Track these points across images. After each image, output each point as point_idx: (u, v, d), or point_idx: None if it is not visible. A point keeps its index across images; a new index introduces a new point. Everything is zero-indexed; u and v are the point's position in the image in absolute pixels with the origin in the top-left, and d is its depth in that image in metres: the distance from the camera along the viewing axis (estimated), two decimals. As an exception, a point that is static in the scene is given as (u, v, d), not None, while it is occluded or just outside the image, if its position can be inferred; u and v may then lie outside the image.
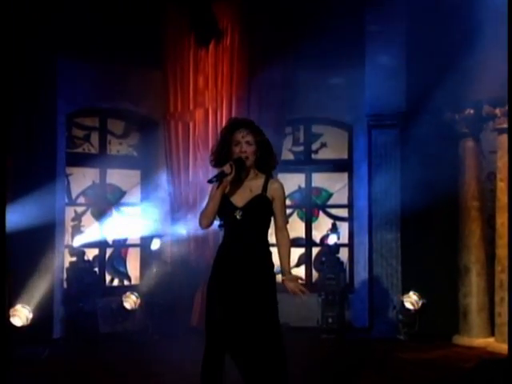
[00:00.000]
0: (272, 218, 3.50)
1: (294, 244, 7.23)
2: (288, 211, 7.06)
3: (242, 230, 3.37)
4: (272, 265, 3.42)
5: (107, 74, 6.78)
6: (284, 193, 3.48)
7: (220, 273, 3.39)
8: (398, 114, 6.79)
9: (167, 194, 7.08)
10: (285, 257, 3.46)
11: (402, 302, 6.58)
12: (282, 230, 3.48)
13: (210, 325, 3.36)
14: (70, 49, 6.34)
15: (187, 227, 6.77)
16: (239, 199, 3.41)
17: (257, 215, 3.39)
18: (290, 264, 3.50)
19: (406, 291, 6.63)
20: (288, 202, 7.38)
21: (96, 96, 6.76)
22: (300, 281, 3.45)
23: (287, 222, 3.59)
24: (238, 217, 3.36)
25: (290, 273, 3.44)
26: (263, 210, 3.41)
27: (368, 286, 7.07)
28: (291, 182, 7.46)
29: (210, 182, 3.32)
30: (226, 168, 3.33)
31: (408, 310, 6.52)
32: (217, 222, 3.46)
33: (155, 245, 6.94)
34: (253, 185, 3.44)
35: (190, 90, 6.95)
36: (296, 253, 7.50)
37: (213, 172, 3.45)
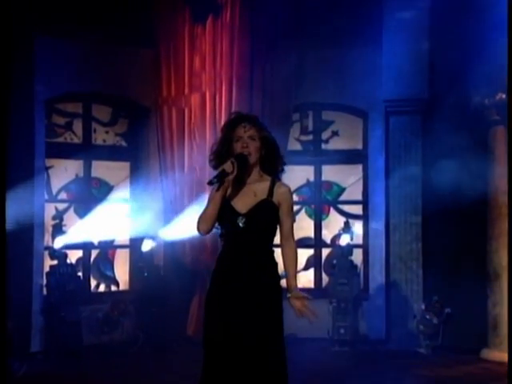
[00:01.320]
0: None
1: (301, 244, 7.41)
2: (295, 208, 7.37)
3: (245, 239, 3.32)
4: (278, 278, 3.37)
5: (92, 54, 6.79)
6: (292, 198, 3.44)
7: (220, 287, 3.33)
8: (419, 99, 6.79)
9: (160, 189, 7.09)
10: (291, 270, 3.41)
11: (423, 311, 6.56)
12: (288, 239, 3.43)
13: (209, 344, 3.28)
14: (49, 25, 6.31)
15: (182, 226, 6.73)
16: (242, 204, 3.35)
17: (262, 223, 3.34)
18: (297, 278, 3.44)
19: (427, 299, 6.62)
20: (295, 198, 7.45)
21: (79, 79, 6.73)
22: (308, 300, 3.37)
23: (294, 221, 3.51)
24: (240, 224, 3.30)
25: (297, 289, 3.38)
26: (269, 216, 3.36)
27: (385, 292, 7.05)
28: (299, 175, 7.47)
29: (210, 183, 3.25)
30: (227, 166, 3.26)
31: (430, 319, 6.50)
32: (216, 230, 3.42)
33: (146, 246, 6.94)
34: (257, 188, 3.39)
35: (184, 71, 6.95)
36: (304, 254, 7.46)
37: (211, 172, 3.39)
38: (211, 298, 3.35)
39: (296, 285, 3.40)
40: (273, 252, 3.38)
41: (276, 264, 3.37)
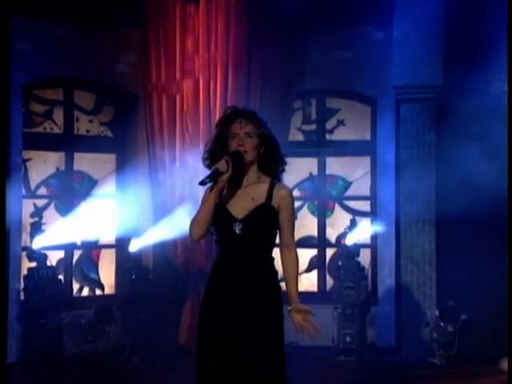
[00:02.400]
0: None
1: (303, 244, 7.46)
2: (297, 204, 7.31)
3: (242, 246, 3.34)
4: (279, 289, 3.40)
5: (74, 36, 6.77)
6: (293, 201, 3.47)
7: (215, 299, 3.36)
8: (433, 85, 6.73)
9: (149, 184, 7.07)
10: (292, 280, 3.43)
11: (437, 318, 6.51)
12: (288, 246, 3.45)
13: (201, 363, 3.34)
14: (27, 3, 6.26)
15: (173, 224, 6.70)
16: (239, 209, 3.37)
17: (260, 229, 3.37)
18: (298, 287, 3.46)
19: (441, 304, 6.57)
20: (297, 193, 7.48)
21: (60, 63, 6.71)
22: (311, 314, 3.40)
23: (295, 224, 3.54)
24: (237, 231, 3.33)
25: (298, 301, 3.40)
26: (268, 222, 3.39)
27: (395, 297, 7.04)
28: (300, 169, 7.45)
29: (202, 183, 3.27)
30: (221, 165, 3.27)
31: (444, 327, 6.45)
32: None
33: (134, 246, 6.91)
34: (255, 191, 3.40)
35: (176, 55, 6.90)
36: (306, 255, 7.46)
37: (204, 172, 3.39)
38: (205, 312, 3.36)
39: (297, 296, 3.42)
40: (273, 260, 3.40)
41: (276, 273, 3.39)
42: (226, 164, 3.26)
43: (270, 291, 3.35)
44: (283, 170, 3.49)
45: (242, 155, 3.34)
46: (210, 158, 3.40)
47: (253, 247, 3.33)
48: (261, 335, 3.28)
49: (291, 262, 3.43)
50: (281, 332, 3.37)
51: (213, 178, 3.26)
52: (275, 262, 3.44)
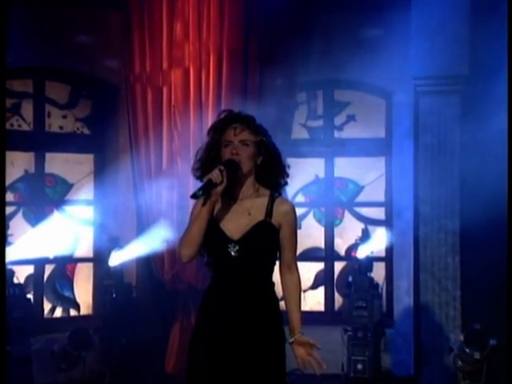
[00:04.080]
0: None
1: (309, 257, 7.44)
2: (301, 211, 7.35)
3: (239, 270, 3.34)
4: (280, 317, 3.41)
5: (46, 19, 6.76)
6: (296, 217, 3.48)
7: (208, 330, 3.36)
8: (457, 76, 6.75)
9: (132, 188, 7.10)
10: (294, 308, 3.45)
11: (462, 343, 6.41)
12: (290, 268, 3.47)
13: None
14: None
15: (159, 235, 6.76)
16: (234, 228, 3.37)
17: (259, 251, 3.38)
18: (301, 318, 3.47)
19: (467, 327, 6.50)
20: (301, 199, 7.50)
21: (29, 50, 6.68)
22: (315, 348, 3.42)
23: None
24: (232, 253, 3.33)
25: (301, 332, 3.43)
26: (267, 243, 3.39)
27: (413, 318, 7.02)
28: (305, 171, 7.44)
29: (194, 197, 3.29)
30: (214, 175, 3.26)
31: (470, 353, 6.35)
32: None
33: (115, 260, 6.88)
34: (252, 206, 3.41)
35: (163, 41, 6.92)
36: (312, 269, 7.46)
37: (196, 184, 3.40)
38: (197, 344, 3.37)
39: (300, 326, 3.44)
40: (273, 285, 3.41)
41: (277, 300, 3.41)
42: (220, 174, 3.26)
43: (271, 321, 3.35)
44: (285, 184, 3.49)
45: (238, 165, 3.34)
46: (201, 169, 3.40)
47: (251, 271, 3.34)
48: (260, 370, 3.30)
49: (293, 286, 3.45)
50: (282, 366, 3.39)
51: (205, 189, 3.26)
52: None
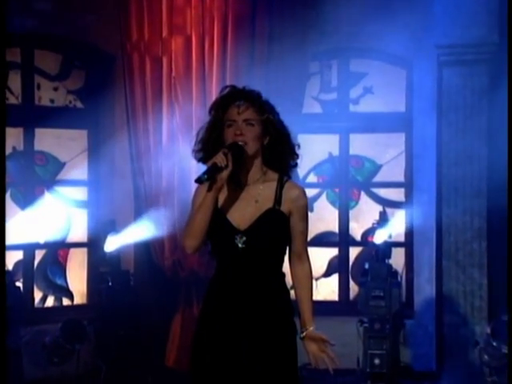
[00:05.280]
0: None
1: (321, 242, 7.46)
2: (313, 192, 7.42)
3: (246, 263, 3.37)
4: (291, 310, 3.45)
5: None
6: (307, 203, 3.49)
7: (214, 323, 3.39)
8: (485, 43, 6.67)
9: (129, 167, 7.13)
10: (305, 300, 3.49)
11: (489, 336, 6.42)
12: (300, 258, 3.50)
13: None
14: None
15: (159, 218, 6.79)
16: (240, 217, 3.39)
17: (268, 242, 3.40)
18: (313, 311, 3.51)
19: (494, 319, 6.51)
20: (313, 179, 7.55)
21: (17, 16, 6.59)
22: (329, 344, 3.45)
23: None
24: (239, 245, 3.36)
25: (313, 326, 3.48)
26: (277, 232, 3.41)
27: (435, 309, 7.03)
28: (318, 148, 7.47)
29: (198, 181, 3.30)
30: (219, 159, 3.27)
31: (498, 347, 6.34)
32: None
33: (111, 245, 6.88)
34: (260, 192, 3.43)
35: (162, 6, 6.90)
36: (325, 255, 7.49)
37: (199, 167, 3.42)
38: (201, 337, 3.40)
39: (312, 319, 3.48)
40: (284, 276, 3.45)
41: (288, 292, 3.44)
42: (225, 158, 3.27)
43: (282, 315, 3.38)
44: (295, 165, 3.49)
45: (243, 148, 3.36)
46: (203, 151, 3.41)
47: (259, 263, 3.36)
48: (271, 366, 3.34)
49: (304, 277, 3.48)
50: (294, 361, 3.43)
51: (210, 174, 3.26)
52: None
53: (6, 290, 5.51)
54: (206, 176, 3.26)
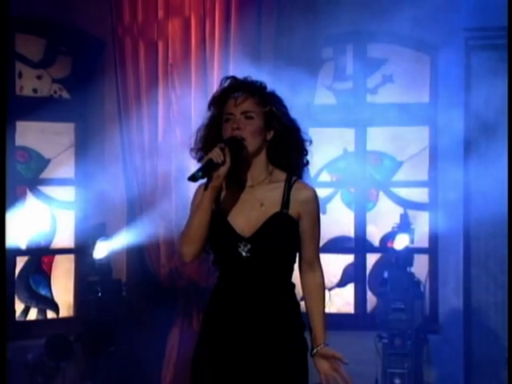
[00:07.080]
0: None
1: (335, 248, 7.46)
2: (327, 192, 7.41)
3: (251, 273, 3.39)
4: (301, 325, 3.45)
5: None
6: (318, 205, 3.49)
7: (215, 340, 3.40)
8: None
9: (121, 164, 7.17)
10: (317, 313, 3.49)
11: None
12: (312, 266, 3.51)
13: None
14: None
15: (154, 221, 6.81)
16: (244, 222, 3.41)
17: (275, 250, 3.40)
18: (325, 325, 3.51)
19: None
20: (326, 177, 7.53)
21: None
22: (342, 362, 3.45)
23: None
24: (243, 254, 3.37)
25: (326, 342, 3.47)
26: (285, 240, 3.42)
27: (463, 323, 7.02)
28: (331, 143, 7.48)
29: (192, 179, 3.29)
30: (215, 154, 3.28)
31: None
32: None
33: (101, 252, 6.91)
34: (265, 194, 3.44)
35: None
36: (340, 263, 7.48)
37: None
38: (202, 357, 3.42)
39: (324, 335, 3.48)
40: (293, 288, 3.45)
41: (298, 305, 3.45)
42: (222, 153, 3.27)
43: (292, 330, 3.40)
44: (307, 163, 3.49)
45: (241, 142, 3.35)
46: (202, 151, 3.42)
47: (265, 273, 3.37)
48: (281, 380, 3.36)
49: (315, 287, 3.49)
50: (304, 382, 3.44)
51: (206, 171, 3.26)
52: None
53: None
54: (200, 173, 3.27)
